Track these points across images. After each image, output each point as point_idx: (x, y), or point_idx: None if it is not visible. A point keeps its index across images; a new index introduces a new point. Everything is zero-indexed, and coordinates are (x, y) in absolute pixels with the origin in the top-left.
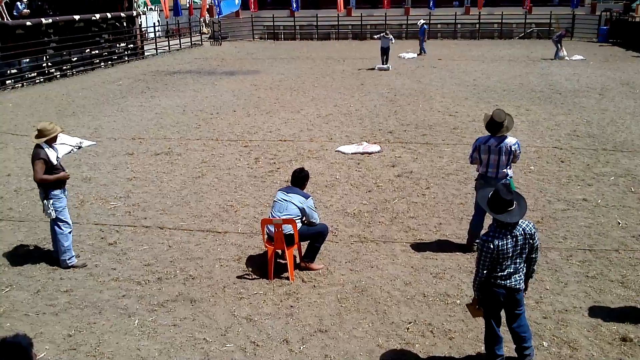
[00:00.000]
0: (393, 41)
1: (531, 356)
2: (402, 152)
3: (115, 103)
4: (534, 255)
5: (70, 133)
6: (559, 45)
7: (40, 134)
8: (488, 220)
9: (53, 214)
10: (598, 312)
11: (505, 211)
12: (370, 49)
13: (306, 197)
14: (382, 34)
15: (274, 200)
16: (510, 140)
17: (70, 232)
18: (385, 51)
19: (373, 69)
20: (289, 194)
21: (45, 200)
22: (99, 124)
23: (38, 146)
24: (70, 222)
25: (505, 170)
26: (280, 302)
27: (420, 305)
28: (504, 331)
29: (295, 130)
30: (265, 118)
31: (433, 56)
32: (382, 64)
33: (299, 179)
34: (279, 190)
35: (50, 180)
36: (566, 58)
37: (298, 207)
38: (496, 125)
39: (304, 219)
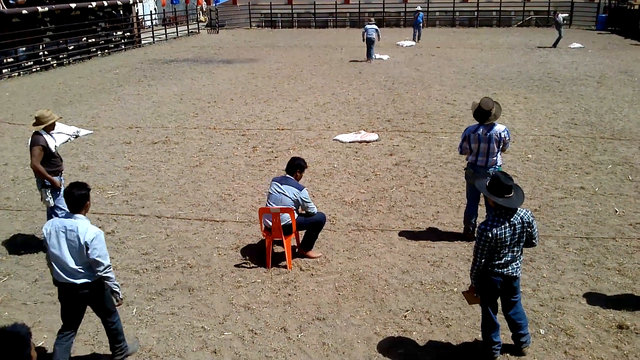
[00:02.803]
0: (378, 31)
1: (527, 343)
2: (400, 140)
3: (112, 92)
4: (534, 241)
5: (68, 122)
6: (560, 28)
7: (38, 121)
8: (482, 209)
9: (51, 202)
10: (595, 299)
11: (504, 197)
12: None
13: (300, 188)
14: (366, 26)
15: (269, 192)
16: (499, 127)
17: None
18: (370, 43)
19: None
20: (282, 186)
21: (43, 188)
22: (96, 112)
23: (37, 133)
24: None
25: (495, 158)
26: (278, 290)
27: (417, 293)
28: (501, 319)
29: (293, 118)
30: (263, 106)
31: (431, 44)
32: (368, 58)
33: (291, 166)
34: (272, 180)
35: (43, 174)
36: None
37: (292, 200)
38: (484, 114)
39: (299, 209)
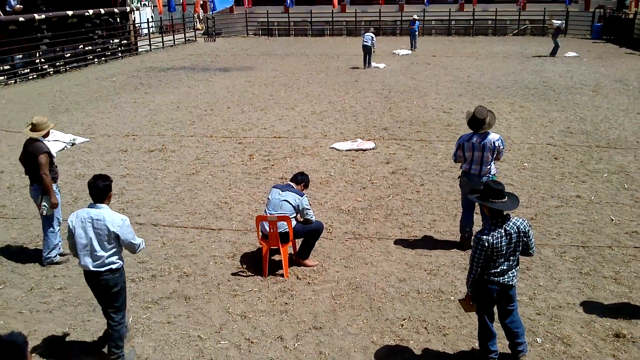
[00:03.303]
0: (373, 39)
1: (524, 352)
2: (397, 148)
3: (109, 99)
4: (530, 251)
5: (64, 130)
6: (557, 40)
7: (36, 128)
8: (478, 217)
9: (48, 211)
10: (591, 308)
11: (496, 201)
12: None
13: (300, 195)
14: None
15: (268, 198)
16: (494, 136)
17: (59, 230)
18: (365, 50)
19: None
20: (283, 192)
21: (44, 196)
22: (93, 120)
23: (36, 140)
24: (61, 220)
25: (488, 167)
26: (275, 299)
27: (414, 301)
28: (498, 327)
29: (290, 126)
30: (260, 114)
31: (427, 53)
32: (364, 65)
33: (298, 178)
34: (273, 187)
35: (50, 188)
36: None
37: (292, 205)
38: (478, 122)
39: (297, 215)
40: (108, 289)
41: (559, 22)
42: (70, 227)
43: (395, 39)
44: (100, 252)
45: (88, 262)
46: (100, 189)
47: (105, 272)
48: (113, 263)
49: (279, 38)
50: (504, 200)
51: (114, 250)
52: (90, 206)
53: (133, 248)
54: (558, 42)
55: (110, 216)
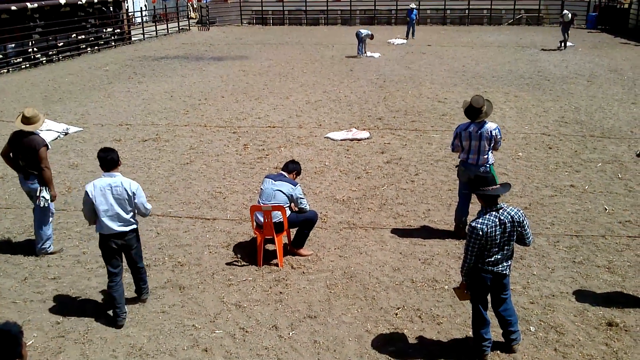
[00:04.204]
0: (367, 33)
1: (518, 340)
2: (391, 138)
3: (102, 89)
4: (526, 241)
5: (57, 119)
6: (566, 33)
7: (30, 121)
8: (473, 207)
9: (45, 203)
10: (584, 297)
11: (488, 188)
12: None
13: (294, 184)
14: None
15: (261, 189)
16: (490, 125)
17: (51, 222)
18: (357, 37)
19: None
20: (276, 182)
21: (43, 187)
22: (86, 110)
23: (33, 133)
24: (54, 211)
25: (486, 156)
26: (270, 288)
27: (408, 290)
28: (491, 316)
29: (284, 116)
30: (254, 104)
31: (422, 42)
32: (358, 52)
33: (290, 166)
34: (266, 177)
35: (51, 183)
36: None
37: (286, 195)
38: (474, 111)
39: (291, 204)
40: (129, 248)
41: (566, 12)
42: (90, 196)
43: (391, 28)
44: (123, 215)
45: (112, 224)
46: (112, 160)
47: (129, 232)
48: (134, 224)
49: (274, 27)
50: (495, 187)
51: (133, 212)
52: (105, 175)
53: (145, 209)
54: (567, 34)
55: (127, 181)
